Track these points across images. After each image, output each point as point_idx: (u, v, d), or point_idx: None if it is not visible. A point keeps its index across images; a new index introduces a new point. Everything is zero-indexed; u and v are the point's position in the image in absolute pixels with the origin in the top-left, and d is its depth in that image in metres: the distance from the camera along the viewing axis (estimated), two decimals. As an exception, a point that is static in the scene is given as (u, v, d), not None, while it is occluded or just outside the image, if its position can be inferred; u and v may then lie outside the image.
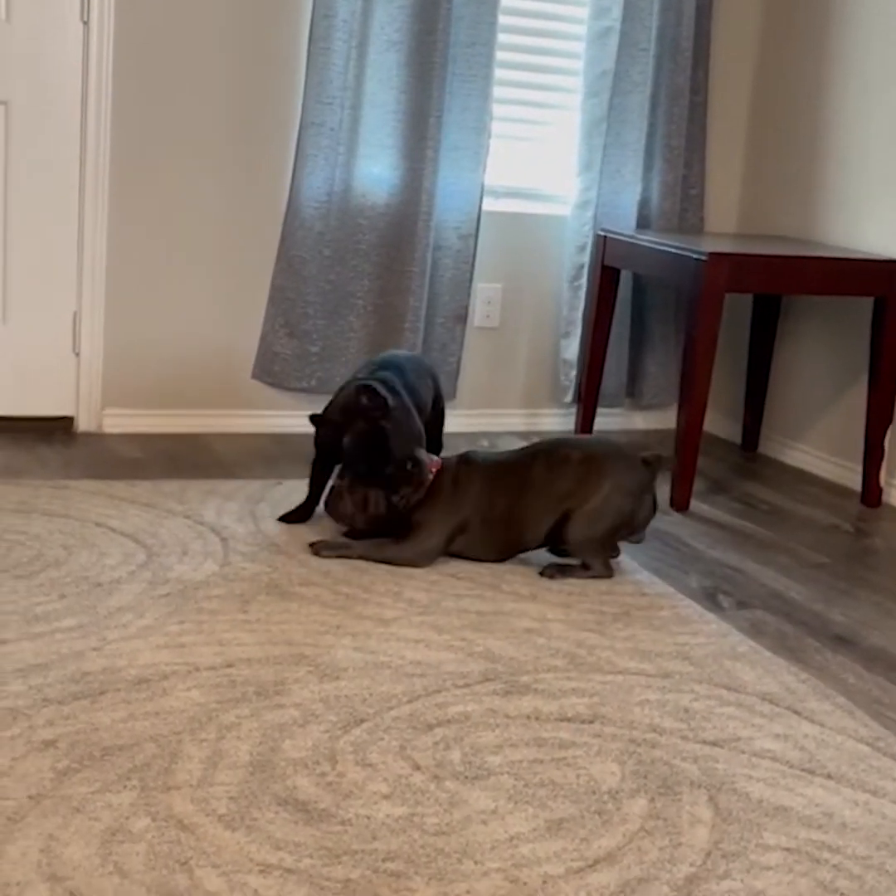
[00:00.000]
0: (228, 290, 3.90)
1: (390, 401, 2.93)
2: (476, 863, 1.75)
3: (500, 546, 2.93)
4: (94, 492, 3.22)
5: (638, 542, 3.02)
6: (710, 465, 4.01)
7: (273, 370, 3.94)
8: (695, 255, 3.53)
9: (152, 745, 1.99)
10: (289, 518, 3.10)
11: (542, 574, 2.90)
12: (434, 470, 2.90)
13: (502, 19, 3.94)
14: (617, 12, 4.02)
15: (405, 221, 3.91)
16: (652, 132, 4.17)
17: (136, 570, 2.72)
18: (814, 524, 3.56)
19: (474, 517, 2.90)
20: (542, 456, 2.92)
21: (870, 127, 3.89)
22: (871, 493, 3.78)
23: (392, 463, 2.85)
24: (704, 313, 3.49)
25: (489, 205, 4.06)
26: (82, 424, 3.83)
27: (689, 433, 3.55)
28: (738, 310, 4.26)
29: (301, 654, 2.37)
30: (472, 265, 4.04)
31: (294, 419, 3.80)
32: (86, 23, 3.61)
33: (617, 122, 4.11)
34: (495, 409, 4.29)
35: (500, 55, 3.96)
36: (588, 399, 4.11)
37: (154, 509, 3.12)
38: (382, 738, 2.08)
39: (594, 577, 2.90)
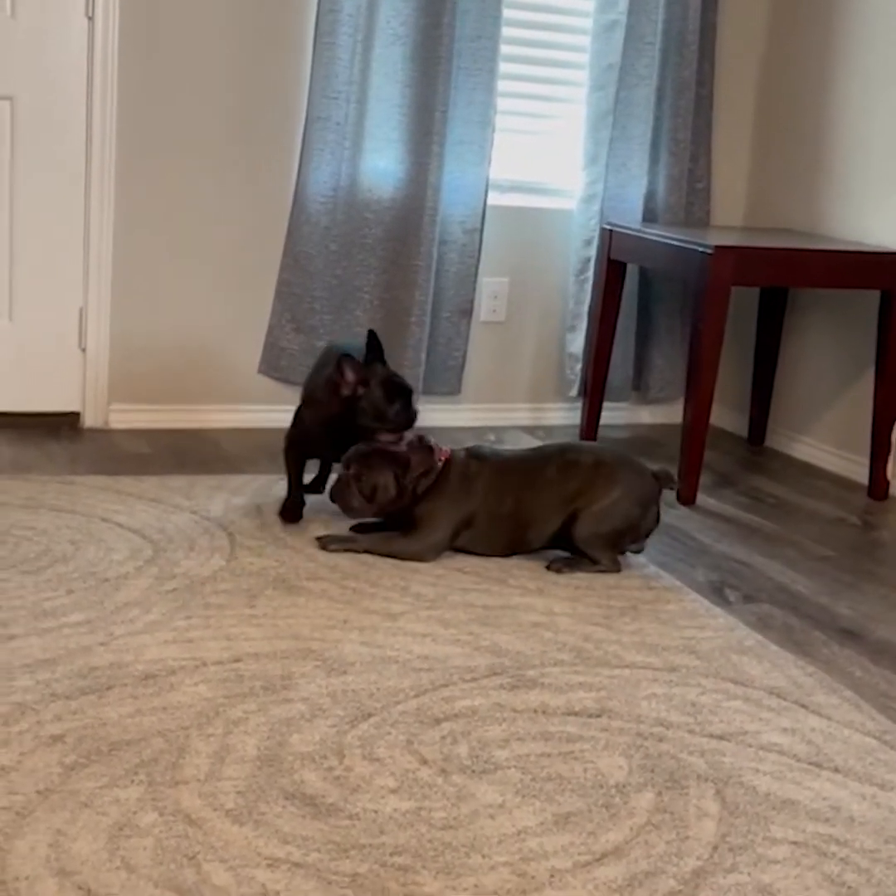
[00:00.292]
0: (234, 285, 3.90)
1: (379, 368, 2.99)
2: (483, 857, 1.75)
3: (505, 543, 2.93)
4: (100, 487, 3.23)
5: (638, 551, 3.02)
6: (717, 459, 4.01)
7: (280, 365, 3.94)
8: (701, 249, 3.53)
9: (160, 740, 1.99)
10: (287, 517, 3.07)
11: (549, 568, 2.90)
12: (443, 459, 2.90)
13: (507, 13, 3.93)
14: (623, 6, 4.01)
15: (411, 216, 3.91)
16: (658, 126, 4.16)
17: (142, 566, 2.73)
18: (820, 517, 3.56)
19: (481, 512, 2.90)
20: (554, 458, 2.93)
21: (875, 119, 3.88)
22: (877, 486, 3.77)
23: (412, 418, 2.94)
24: (711, 307, 3.48)
25: (494, 199, 4.06)
26: (89, 420, 3.84)
27: (695, 427, 3.54)
28: (744, 303, 4.25)
29: (308, 649, 2.37)
30: (478, 259, 4.04)
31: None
32: (90, 18, 3.61)
33: (623, 116, 4.10)
34: (501, 404, 4.29)
35: (505, 49, 3.96)
36: (594, 393, 4.11)
37: (161, 504, 3.13)
38: (390, 733, 2.08)
39: (601, 571, 2.90)
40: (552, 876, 1.72)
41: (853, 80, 3.97)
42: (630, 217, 4.15)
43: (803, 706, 2.31)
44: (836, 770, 2.08)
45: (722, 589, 2.92)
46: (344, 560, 2.85)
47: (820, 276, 3.70)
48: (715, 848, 1.82)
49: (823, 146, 4.09)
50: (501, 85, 3.97)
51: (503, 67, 3.97)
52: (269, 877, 1.67)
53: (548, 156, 4.22)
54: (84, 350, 3.80)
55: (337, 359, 2.93)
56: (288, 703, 2.15)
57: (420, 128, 3.86)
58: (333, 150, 3.81)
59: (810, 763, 2.10)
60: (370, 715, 2.13)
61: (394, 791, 1.90)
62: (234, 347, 3.93)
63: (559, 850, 1.78)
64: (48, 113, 3.63)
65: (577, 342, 4.23)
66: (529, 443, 3.95)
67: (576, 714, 2.20)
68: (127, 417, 3.85)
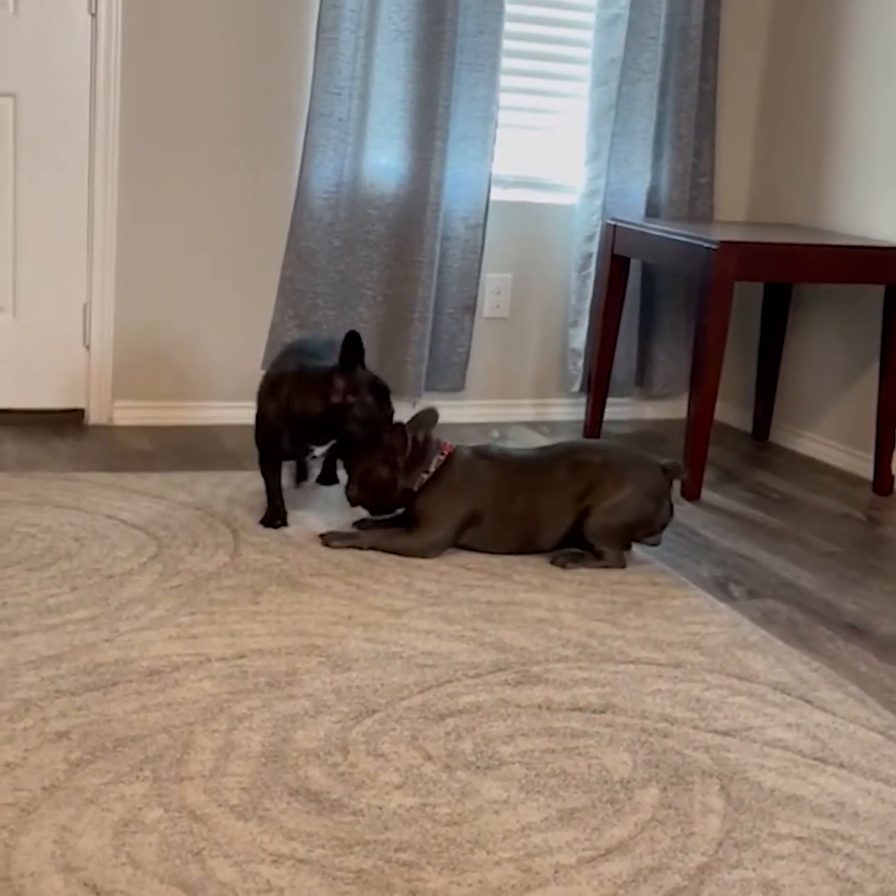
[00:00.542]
0: (238, 281, 3.90)
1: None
2: (488, 852, 1.75)
3: (513, 542, 2.93)
4: (105, 484, 3.23)
5: (655, 544, 3.02)
6: (721, 455, 4.00)
7: (283, 361, 3.93)
8: (705, 244, 3.52)
9: (164, 736, 1.99)
10: (275, 524, 3.02)
11: (553, 563, 2.90)
12: (446, 452, 2.90)
13: (509, 8, 3.93)
14: (625, 0, 4.00)
15: (414, 211, 3.90)
16: (661, 120, 4.15)
17: (147, 562, 2.73)
18: (825, 513, 3.56)
19: (490, 511, 2.90)
20: (564, 458, 2.93)
21: (879, 114, 3.88)
22: (882, 481, 3.77)
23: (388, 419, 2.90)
24: (714, 302, 3.48)
25: (497, 194, 4.05)
26: (93, 417, 3.84)
27: (699, 422, 3.54)
28: (748, 298, 4.25)
29: (312, 645, 2.37)
30: (481, 255, 4.03)
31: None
32: (94, 15, 3.60)
33: (625, 111, 4.10)
34: (505, 400, 4.28)
35: (507, 44, 3.95)
36: (598, 389, 4.10)
37: (165, 501, 3.13)
38: (394, 729, 2.08)
39: (606, 566, 2.90)
40: (557, 871, 1.72)
41: (857, 75, 3.97)
42: (633, 212, 4.14)
43: (808, 702, 2.31)
44: (842, 765, 2.08)
45: (726, 584, 2.92)
46: (348, 556, 2.85)
47: (824, 271, 3.69)
48: (720, 844, 1.82)
49: (827, 141, 4.08)
50: (504, 80, 3.96)
51: (505, 63, 3.96)
52: (274, 872, 1.67)
53: (550, 151, 4.22)
54: (88, 347, 3.80)
55: (329, 374, 2.88)
56: (292, 700, 2.15)
57: (423, 123, 3.86)
58: (336, 146, 3.81)
59: (815, 758, 2.10)
60: (374, 711, 2.13)
61: (398, 787, 1.90)
62: (237, 344, 3.93)
63: (564, 846, 1.78)
64: (51, 110, 3.63)
65: (580, 338, 4.22)
66: (533, 439, 3.95)
67: (580, 710, 2.20)
68: (131, 414, 3.85)
